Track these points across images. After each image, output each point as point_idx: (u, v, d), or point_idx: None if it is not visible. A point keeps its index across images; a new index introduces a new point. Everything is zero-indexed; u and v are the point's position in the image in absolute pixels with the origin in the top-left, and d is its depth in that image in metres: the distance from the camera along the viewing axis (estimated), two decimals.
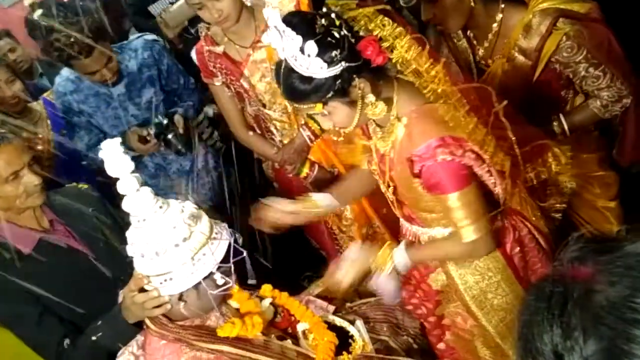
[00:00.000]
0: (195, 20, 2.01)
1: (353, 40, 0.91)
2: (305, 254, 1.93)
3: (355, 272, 1.14)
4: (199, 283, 0.85)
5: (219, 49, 1.52)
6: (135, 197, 0.82)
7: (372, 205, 1.66)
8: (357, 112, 0.97)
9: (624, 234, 0.47)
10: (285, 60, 0.93)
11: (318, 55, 0.88)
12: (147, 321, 0.93)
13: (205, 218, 0.88)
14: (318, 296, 1.15)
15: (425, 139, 0.96)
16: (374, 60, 0.91)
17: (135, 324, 0.96)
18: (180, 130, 1.60)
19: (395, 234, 1.70)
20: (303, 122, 1.58)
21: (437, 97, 0.94)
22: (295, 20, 0.90)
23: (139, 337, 0.95)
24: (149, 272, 0.86)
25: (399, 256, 1.11)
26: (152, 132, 1.56)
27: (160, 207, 0.84)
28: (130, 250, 0.86)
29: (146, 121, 1.64)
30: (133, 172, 0.81)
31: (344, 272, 1.14)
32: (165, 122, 1.56)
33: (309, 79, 0.92)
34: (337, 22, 0.91)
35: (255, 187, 2.07)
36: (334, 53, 0.89)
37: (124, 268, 0.93)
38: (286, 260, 1.98)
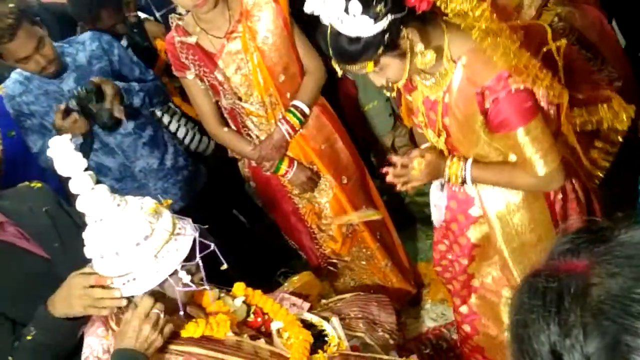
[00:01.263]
0: None
1: None
2: (281, 250, 1.91)
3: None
4: (164, 282, 0.82)
5: (192, 40, 1.46)
6: (90, 196, 0.78)
7: (352, 203, 1.65)
8: (407, 64, 0.96)
9: (613, 223, 0.45)
10: (331, 25, 0.92)
11: (363, 12, 0.88)
12: (113, 324, 0.89)
13: (167, 214, 0.85)
14: (293, 293, 1.13)
15: (495, 70, 0.95)
16: (418, 7, 0.90)
17: (71, 318, 0.90)
18: (108, 103, 1.44)
19: (375, 232, 1.71)
20: (281, 116, 1.54)
21: (485, 35, 0.93)
22: None
23: (105, 341, 0.91)
24: (110, 273, 0.82)
25: (469, 165, 1.09)
26: (73, 106, 1.40)
27: (118, 205, 0.80)
28: (88, 251, 0.82)
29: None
30: (86, 169, 0.76)
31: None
32: (85, 91, 1.40)
33: (358, 39, 0.91)
34: None
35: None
36: (378, 7, 0.88)
37: (81, 269, 0.88)
38: (261, 256, 1.96)
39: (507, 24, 0.97)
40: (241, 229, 2.04)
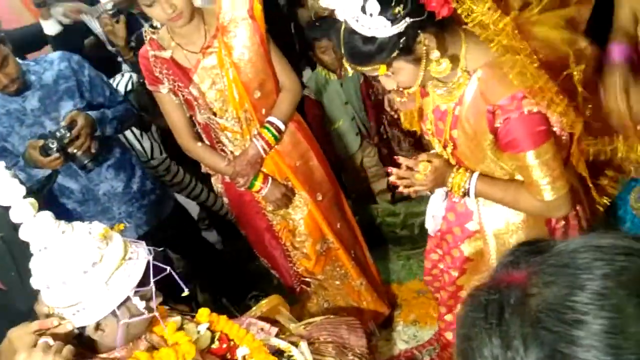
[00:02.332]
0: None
1: None
2: (253, 273, 1.87)
3: None
4: (119, 309, 0.78)
5: (166, 54, 1.44)
6: (33, 223, 0.74)
7: (327, 220, 1.63)
8: (421, 70, 0.93)
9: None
10: (346, 22, 0.89)
11: (381, 13, 0.85)
12: None
13: (117, 238, 0.81)
14: (260, 318, 1.09)
15: (510, 90, 0.92)
16: (438, 12, 0.87)
17: None
18: (82, 140, 1.43)
19: (349, 250, 1.70)
20: (256, 132, 1.53)
21: (504, 50, 0.90)
22: None
23: None
24: (58, 304, 0.77)
25: (474, 179, 1.06)
26: (53, 146, 1.40)
27: (63, 231, 0.76)
28: (34, 282, 0.78)
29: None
30: (26, 196, 0.73)
31: None
32: (68, 134, 1.41)
33: (373, 40, 0.88)
34: None
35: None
36: (397, 9, 0.86)
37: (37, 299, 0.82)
38: (233, 279, 1.91)
39: (530, 44, 0.93)
40: (211, 251, 1.99)
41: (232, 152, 1.55)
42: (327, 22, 1.92)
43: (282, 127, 1.54)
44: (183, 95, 1.49)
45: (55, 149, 1.40)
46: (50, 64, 1.52)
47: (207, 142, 1.57)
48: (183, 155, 1.64)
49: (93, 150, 1.46)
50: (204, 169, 1.66)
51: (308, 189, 1.61)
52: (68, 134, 1.41)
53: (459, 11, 0.89)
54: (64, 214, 1.51)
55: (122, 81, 1.99)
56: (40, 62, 1.53)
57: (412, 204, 1.98)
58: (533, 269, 0.43)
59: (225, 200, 1.68)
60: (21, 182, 0.72)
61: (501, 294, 0.42)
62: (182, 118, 1.53)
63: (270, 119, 1.52)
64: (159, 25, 1.49)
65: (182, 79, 1.46)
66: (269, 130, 1.52)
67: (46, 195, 1.56)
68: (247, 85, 1.47)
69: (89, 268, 0.75)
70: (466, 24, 0.92)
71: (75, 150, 1.43)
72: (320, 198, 1.64)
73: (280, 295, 1.24)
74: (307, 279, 1.70)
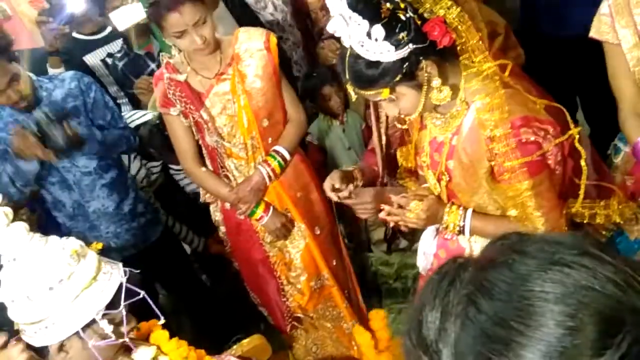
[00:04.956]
0: None
1: (419, 22, 0.91)
2: (240, 316, 1.80)
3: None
4: (84, 330, 0.73)
5: (181, 77, 1.48)
6: (5, 233, 0.72)
7: (323, 254, 1.59)
8: (423, 97, 0.95)
9: None
10: (351, 47, 0.92)
11: (385, 38, 0.88)
12: None
13: (91, 256, 0.78)
14: (241, 357, 1.03)
15: (509, 118, 0.94)
16: (440, 41, 0.90)
17: None
18: (66, 130, 1.42)
19: (344, 288, 1.63)
20: (262, 159, 1.52)
21: (501, 84, 0.93)
22: (361, 6, 0.90)
23: None
24: (21, 320, 0.74)
25: (469, 216, 1.05)
26: (31, 127, 1.37)
27: (35, 244, 0.73)
28: (0, 295, 0.75)
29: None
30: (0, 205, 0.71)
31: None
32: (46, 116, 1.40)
33: (377, 64, 0.91)
34: (402, 5, 0.91)
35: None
36: (401, 35, 0.89)
37: (5, 315, 0.79)
38: (218, 320, 1.84)
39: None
40: (199, 286, 1.95)
41: (235, 179, 1.55)
42: (327, 70, 1.98)
43: (287, 156, 1.54)
44: (193, 118, 1.51)
45: (32, 128, 1.37)
46: (62, 82, 1.57)
47: (211, 168, 1.57)
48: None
49: (68, 131, 1.44)
50: (202, 198, 1.65)
51: (307, 222, 1.59)
52: (45, 116, 1.41)
53: (457, 43, 0.92)
54: (55, 227, 1.52)
55: (142, 117, 2.00)
56: (54, 80, 1.58)
57: (406, 255, 1.92)
58: (502, 249, 0.43)
59: (222, 229, 1.65)
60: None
61: (461, 266, 0.43)
62: (188, 142, 1.54)
63: (277, 148, 1.54)
64: (175, 53, 1.53)
65: (195, 102, 1.48)
66: (275, 158, 1.53)
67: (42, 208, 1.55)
68: (256, 112, 1.49)
69: (55, 284, 0.73)
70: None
71: (48, 131, 1.41)
72: (318, 232, 1.61)
73: (265, 340, 1.17)
74: (298, 316, 1.64)
